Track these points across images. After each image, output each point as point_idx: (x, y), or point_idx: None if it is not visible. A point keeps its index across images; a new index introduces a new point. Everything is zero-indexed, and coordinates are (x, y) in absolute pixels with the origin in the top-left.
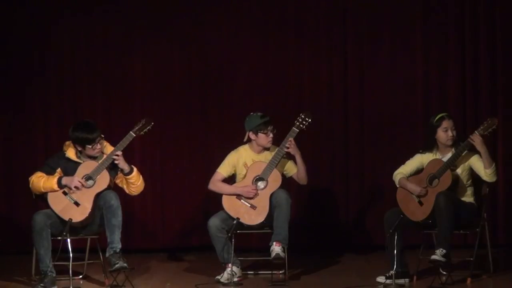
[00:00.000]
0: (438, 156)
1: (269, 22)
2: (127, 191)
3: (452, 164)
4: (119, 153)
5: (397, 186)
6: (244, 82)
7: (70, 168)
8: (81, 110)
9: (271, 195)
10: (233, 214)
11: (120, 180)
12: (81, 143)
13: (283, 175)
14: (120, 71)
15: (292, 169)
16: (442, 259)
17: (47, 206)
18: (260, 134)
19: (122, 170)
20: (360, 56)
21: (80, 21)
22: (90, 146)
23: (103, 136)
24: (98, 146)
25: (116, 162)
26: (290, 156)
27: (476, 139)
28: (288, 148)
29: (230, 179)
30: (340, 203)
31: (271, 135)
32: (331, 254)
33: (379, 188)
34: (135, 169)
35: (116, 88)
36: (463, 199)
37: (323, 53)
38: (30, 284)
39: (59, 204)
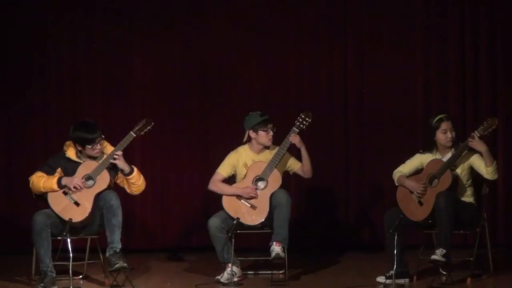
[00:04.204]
0: (438, 156)
1: (269, 22)
2: (128, 191)
3: (452, 164)
4: (119, 153)
5: (396, 184)
6: (244, 82)
7: (70, 168)
8: (81, 110)
9: (271, 195)
10: (233, 214)
11: (121, 180)
12: (81, 143)
13: (287, 172)
14: (120, 71)
15: (296, 164)
16: (442, 259)
17: (47, 206)
18: (260, 132)
19: (122, 171)
20: (360, 56)
21: (80, 21)
22: (90, 146)
23: (103, 136)
24: (98, 146)
25: (115, 162)
26: (292, 152)
27: (474, 142)
28: (294, 138)
29: (230, 179)
30: (340, 203)
31: (271, 133)
32: (331, 254)
33: (379, 188)
34: (135, 169)
35: (116, 88)
36: (463, 199)
37: (323, 52)
38: (30, 284)
39: (59, 204)
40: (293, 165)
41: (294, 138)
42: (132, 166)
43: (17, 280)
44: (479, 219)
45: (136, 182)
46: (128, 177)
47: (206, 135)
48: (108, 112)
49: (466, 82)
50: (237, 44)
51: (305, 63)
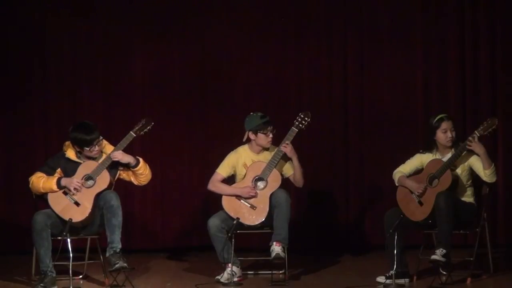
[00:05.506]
0: (438, 156)
1: (269, 22)
2: (135, 182)
3: (452, 164)
4: (118, 156)
5: (396, 184)
6: (244, 82)
7: (70, 168)
8: (81, 110)
9: (271, 195)
10: (233, 214)
11: (126, 174)
12: (79, 145)
13: (281, 175)
14: (120, 71)
15: (290, 170)
16: (442, 259)
17: (47, 206)
18: (259, 134)
19: (128, 164)
20: (360, 56)
21: (80, 21)
22: (88, 148)
23: (102, 138)
24: (96, 148)
25: (116, 160)
26: (288, 157)
27: (473, 143)
28: (285, 147)
29: (230, 179)
30: (340, 203)
31: (270, 135)
32: (331, 254)
33: (379, 188)
34: (141, 159)
35: (116, 88)
36: (463, 199)
37: (323, 53)
38: (30, 284)
39: (59, 204)
40: (287, 170)
41: (285, 148)
42: (137, 157)
43: (17, 280)
44: (479, 219)
45: (143, 172)
46: (135, 169)
47: (206, 135)
48: (108, 112)
49: (466, 82)
50: (237, 44)
51: (305, 63)
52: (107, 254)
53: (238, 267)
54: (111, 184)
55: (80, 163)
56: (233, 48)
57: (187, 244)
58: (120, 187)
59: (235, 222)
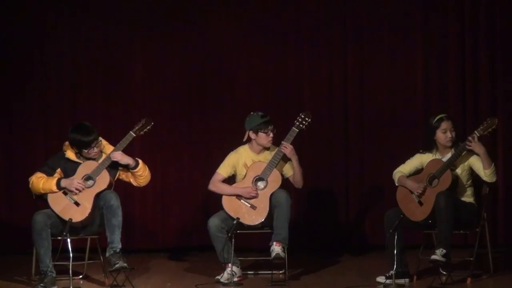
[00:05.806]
0: (438, 156)
1: (269, 22)
2: (135, 183)
3: (451, 164)
4: (117, 157)
5: (396, 184)
6: (244, 82)
7: (69, 168)
8: (81, 110)
9: (271, 195)
10: (233, 214)
11: (125, 175)
12: (77, 146)
13: (281, 176)
14: (120, 71)
15: (290, 170)
16: (442, 259)
17: (47, 206)
18: (260, 134)
19: (127, 166)
20: (360, 56)
21: (80, 21)
22: (86, 150)
23: (101, 139)
24: (95, 150)
25: (116, 160)
26: (288, 158)
27: (472, 143)
28: (285, 148)
29: (230, 179)
30: (340, 203)
31: (271, 134)
32: (331, 254)
33: (379, 188)
34: (140, 161)
35: (116, 88)
36: (463, 199)
37: (323, 53)
38: (30, 284)
39: (59, 204)
40: (287, 170)
41: (286, 149)
42: (136, 158)
43: (17, 280)
44: (479, 219)
45: (142, 174)
46: (134, 170)
47: (206, 135)
48: (108, 112)
49: (466, 82)
50: (237, 44)
51: (305, 63)
52: (107, 254)
53: (238, 267)
54: (111, 184)
55: (80, 163)
56: (233, 48)
57: (187, 244)
58: (120, 187)
59: (235, 222)
